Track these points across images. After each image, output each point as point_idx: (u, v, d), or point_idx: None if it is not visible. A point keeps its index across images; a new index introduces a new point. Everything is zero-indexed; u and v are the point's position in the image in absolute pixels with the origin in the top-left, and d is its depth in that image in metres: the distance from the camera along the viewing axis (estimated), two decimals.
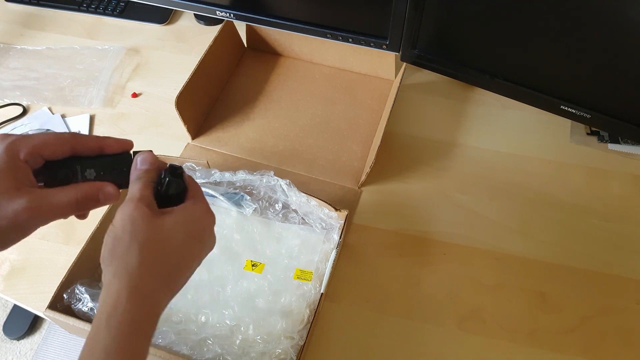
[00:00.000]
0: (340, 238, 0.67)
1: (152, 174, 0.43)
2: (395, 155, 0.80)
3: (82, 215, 0.45)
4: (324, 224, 0.70)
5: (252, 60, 0.94)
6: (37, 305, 0.68)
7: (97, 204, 0.42)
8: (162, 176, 0.43)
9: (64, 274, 0.62)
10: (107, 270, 0.39)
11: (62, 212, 0.41)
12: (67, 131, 0.45)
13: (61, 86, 0.91)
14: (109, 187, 0.42)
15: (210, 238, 0.45)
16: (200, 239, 0.43)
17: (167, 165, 0.44)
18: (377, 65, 0.88)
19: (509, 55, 0.72)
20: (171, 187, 0.43)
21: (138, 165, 0.44)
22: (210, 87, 0.86)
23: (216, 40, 0.84)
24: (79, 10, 1.04)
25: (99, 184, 0.43)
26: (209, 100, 0.87)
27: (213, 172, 0.72)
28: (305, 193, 0.68)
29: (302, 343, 0.59)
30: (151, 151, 0.45)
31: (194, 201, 0.43)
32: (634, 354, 0.62)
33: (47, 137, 0.42)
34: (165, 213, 0.42)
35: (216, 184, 0.73)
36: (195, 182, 0.46)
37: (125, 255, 0.39)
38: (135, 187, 0.42)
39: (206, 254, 0.44)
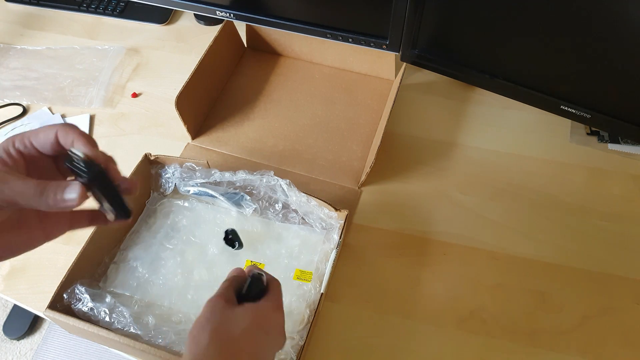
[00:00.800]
0: (340, 238, 0.67)
1: (238, 279, 0.51)
2: (395, 155, 0.80)
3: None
4: (324, 224, 0.70)
5: (252, 60, 0.94)
6: (37, 305, 0.68)
7: (60, 201, 0.40)
8: (248, 279, 0.51)
9: (64, 274, 0.62)
10: (185, 348, 0.45)
11: (23, 197, 0.40)
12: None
13: (61, 86, 0.91)
14: (74, 185, 0.41)
15: (277, 332, 0.49)
16: (266, 330, 0.47)
17: (253, 271, 0.51)
18: (377, 65, 0.88)
19: (509, 55, 0.72)
20: (251, 286, 0.50)
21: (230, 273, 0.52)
22: (210, 87, 0.86)
23: (216, 40, 0.84)
24: (79, 10, 1.04)
25: (68, 182, 0.42)
26: (209, 100, 0.87)
27: (213, 172, 0.72)
28: (305, 193, 0.68)
29: (302, 343, 0.59)
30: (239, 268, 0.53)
31: (267, 298, 0.49)
32: (634, 354, 0.62)
33: (38, 129, 0.43)
34: (240, 305, 0.48)
35: (216, 184, 0.73)
36: (277, 286, 0.52)
37: (198, 335, 0.44)
38: (220, 286, 0.49)
39: (272, 348, 0.48)
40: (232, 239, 0.68)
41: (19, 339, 1.39)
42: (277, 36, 0.91)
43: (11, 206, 0.40)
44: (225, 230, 0.69)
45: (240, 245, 0.68)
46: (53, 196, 0.40)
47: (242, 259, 0.69)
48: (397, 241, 0.72)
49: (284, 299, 0.64)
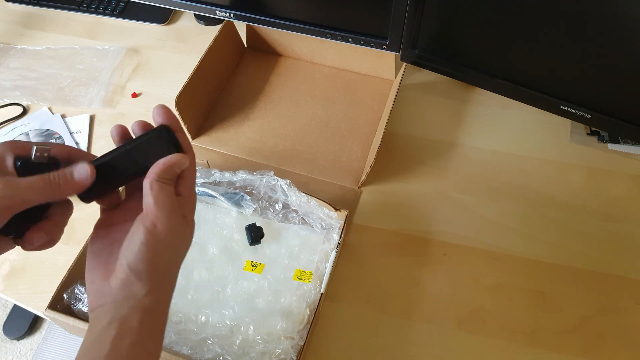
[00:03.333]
0: (340, 238, 0.67)
1: None
2: (395, 155, 0.80)
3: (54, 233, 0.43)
4: (324, 224, 0.70)
5: (252, 60, 0.94)
6: (37, 305, 0.68)
7: (71, 183, 0.40)
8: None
9: (64, 274, 0.62)
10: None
11: (35, 191, 0.39)
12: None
13: (61, 86, 0.91)
14: (82, 165, 0.41)
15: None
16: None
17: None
18: (377, 65, 0.88)
19: (509, 55, 0.72)
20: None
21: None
22: (210, 87, 0.86)
23: (216, 40, 0.84)
24: (79, 10, 1.04)
25: (71, 166, 0.41)
26: (209, 100, 0.87)
27: (213, 172, 0.72)
28: (305, 193, 0.68)
29: (302, 343, 0.59)
30: None
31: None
32: (634, 354, 0.62)
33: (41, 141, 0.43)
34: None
35: (216, 184, 0.73)
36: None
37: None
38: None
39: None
40: (255, 235, 0.69)
41: (19, 339, 1.39)
42: (277, 36, 0.91)
43: (20, 208, 0.39)
44: (246, 229, 0.69)
45: (261, 235, 0.69)
46: (64, 180, 0.40)
47: (242, 259, 0.69)
48: (397, 241, 0.72)
49: (283, 298, 0.65)
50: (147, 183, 0.40)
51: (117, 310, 0.39)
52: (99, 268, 0.41)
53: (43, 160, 0.41)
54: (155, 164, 0.41)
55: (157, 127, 0.43)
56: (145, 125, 0.44)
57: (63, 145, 0.44)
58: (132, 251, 0.39)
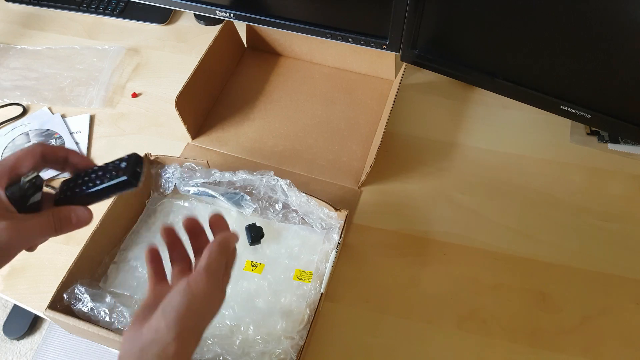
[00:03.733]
0: (340, 238, 0.67)
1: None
2: (395, 155, 0.80)
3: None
4: (324, 224, 0.70)
5: (252, 60, 0.94)
6: (37, 305, 0.68)
7: (74, 225, 0.45)
8: None
9: (64, 274, 0.62)
10: None
11: (41, 233, 0.44)
12: (33, 143, 0.48)
13: (61, 86, 0.91)
14: (81, 210, 0.45)
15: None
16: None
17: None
18: (377, 65, 0.88)
19: (509, 55, 0.72)
20: None
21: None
22: (210, 87, 0.86)
23: (216, 40, 0.84)
24: (79, 10, 1.04)
25: (72, 208, 0.45)
26: (209, 100, 0.87)
27: (213, 172, 0.72)
28: (305, 193, 0.68)
29: (302, 343, 0.59)
30: None
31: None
32: (634, 354, 0.62)
33: (17, 155, 0.44)
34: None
35: (216, 184, 0.73)
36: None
37: None
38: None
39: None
40: (255, 235, 0.69)
41: (19, 339, 1.39)
42: (277, 36, 0.91)
43: (24, 248, 0.44)
44: (246, 229, 0.69)
45: (261, 235, 0.69)
46: (69, 222, 0.44)
47: (242, 259, 0.69)
48: (397, 241, 0.72)
49: (283, 298, 0.65)
50: (210, 245, 0.46)
51: (142, 357, 0.41)
52: (138, 322, 0.44)
53: (30, 185, 0.44)
54: (223, 234, 0.49)
55: (129, 156, 0.48)
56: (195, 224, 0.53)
57: (40, 145, 0.45)
58: (169, 300, 0.43)
